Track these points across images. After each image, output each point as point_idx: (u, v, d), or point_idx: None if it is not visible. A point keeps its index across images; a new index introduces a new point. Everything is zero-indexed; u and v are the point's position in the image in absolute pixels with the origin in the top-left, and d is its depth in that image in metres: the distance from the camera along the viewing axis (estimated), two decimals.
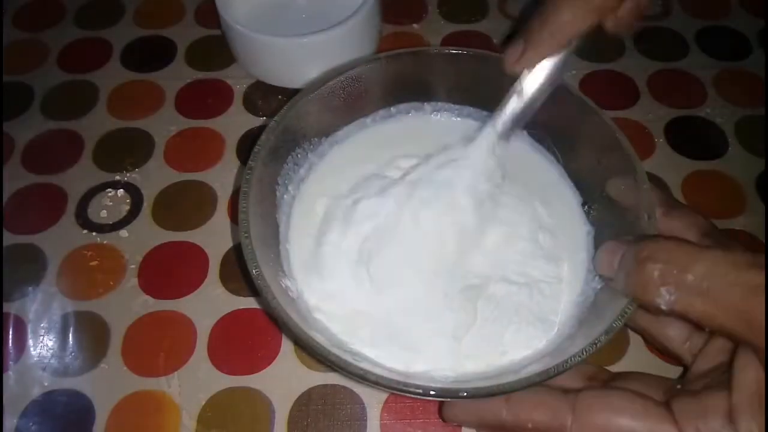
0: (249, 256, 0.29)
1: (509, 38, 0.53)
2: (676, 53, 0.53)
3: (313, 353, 0.27)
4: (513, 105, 0.33)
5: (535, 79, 0.32)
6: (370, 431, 0.35)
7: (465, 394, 0.26)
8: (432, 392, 0.26)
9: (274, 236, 0.34)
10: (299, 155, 0.37)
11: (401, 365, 0.31)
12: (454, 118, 0.41)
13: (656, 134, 0.48)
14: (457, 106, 0.40)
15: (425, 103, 0.40)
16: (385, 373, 0.27)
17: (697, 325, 0.25)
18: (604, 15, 0.30)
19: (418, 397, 0.26)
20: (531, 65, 0.32)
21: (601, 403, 0.28)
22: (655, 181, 0.45)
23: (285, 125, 0.35)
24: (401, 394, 0.28)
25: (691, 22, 0.55)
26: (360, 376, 0.26)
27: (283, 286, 0.31)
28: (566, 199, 0.37)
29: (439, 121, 0.41)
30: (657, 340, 0.33)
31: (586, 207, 0.37)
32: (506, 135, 0.34)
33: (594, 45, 0.53)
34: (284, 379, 0.36)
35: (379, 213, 0.35)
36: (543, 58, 0.32)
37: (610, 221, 0.34)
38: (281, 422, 0.35)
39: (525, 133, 0.39)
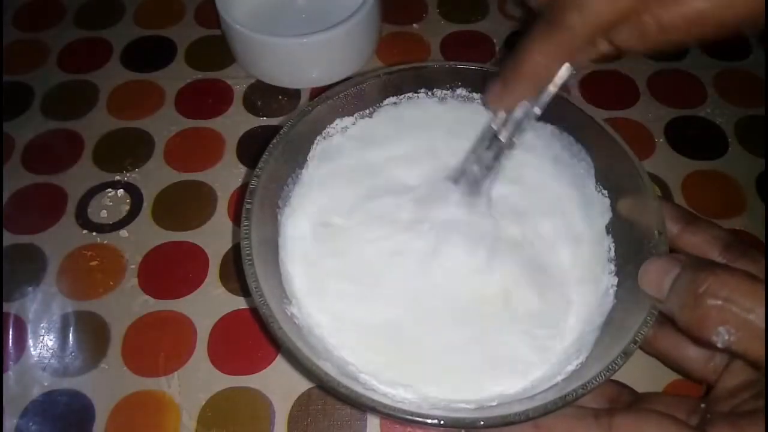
0: (254, 287, 0.28)
1: (510, 39, 0.54)
2: (676, 53, 0.53)
3: (323, 385, 0.26)
4: (492, 146, 0.34)
5: (511, 119, 0.33)
6: (370, 431, 0.35)
7: (482, 423, 0.25)
8: (449, 423, 0.25)
9: (275, 261, 0.33)
10: (299, 175, 0.36)
11: (415, 392, 0.30)
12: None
13: (656, 134, 0.47)
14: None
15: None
16: (397, 404, 0.26)
17: (752, 365, 0.25)
18: (574, 55, 0.30)
19: (434, 427, 0.26)
20: (508, 107, 0.33)
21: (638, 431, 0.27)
22: (656, 181, 0.45)
23: (284, 146, 0.34)
24: (416, 425, 0.27)
25: None
26: (371, 408, 0.26)
27: (288, 313, 0.31)
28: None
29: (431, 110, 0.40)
30: (677, 363, 0.32)
31: None
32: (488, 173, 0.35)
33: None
34: (284, 379, 0.36)
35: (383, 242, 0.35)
36: (519, 100, 0.32)
37: (620, 237, 0.33)
38: (281, 422, 0.35)
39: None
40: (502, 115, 0.33)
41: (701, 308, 0.24)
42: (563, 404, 0.25)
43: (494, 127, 0.33)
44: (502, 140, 0.33)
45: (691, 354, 0.31)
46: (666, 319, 0.27)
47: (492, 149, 0.34)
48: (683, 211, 0.32)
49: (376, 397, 0.26)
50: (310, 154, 0.37)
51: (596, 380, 0.26)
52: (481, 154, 0.35)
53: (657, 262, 0.28)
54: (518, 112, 0.33)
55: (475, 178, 0.35)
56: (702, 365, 0.31)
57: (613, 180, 0.34)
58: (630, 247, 0.32)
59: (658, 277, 0.27)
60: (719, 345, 0.24)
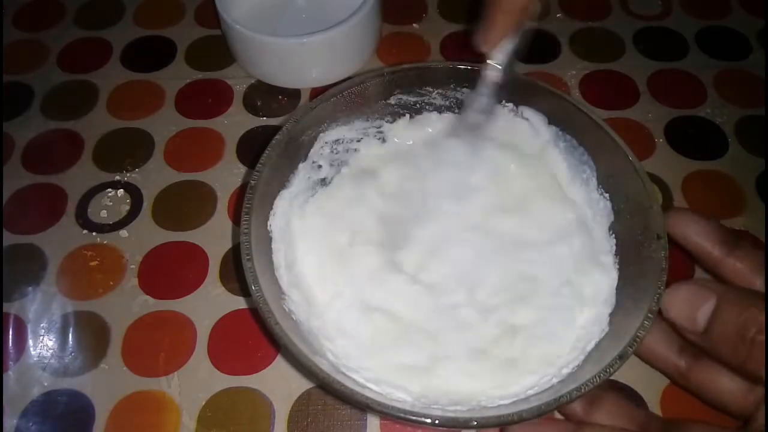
0: (251, 280, 0.29)
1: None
2: (676, 53, 0.53)
3: (319, 381, 0.27)
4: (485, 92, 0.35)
5: (495, 61, 0.34)
6: (370, 431, 0.35)
7: (476, 423, 0.25)
8: (443, 422, 0.25)
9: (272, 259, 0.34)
10: (300, 172, 0.37)
11: (410, 387, 0.30)
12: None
13: (656, 134, 0.47)
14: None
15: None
16: (393, 403, 0.26)
17: None
18: None
19: (429, 426, 0.26)
20: (494, 45, 0.34)
21: None
22: (656, 181, 0.44)
23: (286, 143, 0.34)
24: (411, 424, 0.27)
25: (691, 22, 0.55)
26: (366, 405, 0.26)
27: (287, 309, 0.31)
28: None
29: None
30: (714, 397, 0.30)
31: None
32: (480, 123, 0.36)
33: (594, 45, 0.53)
34: (284, 379, 0.36)
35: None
36: (503, 36, 0.33)
37: (621, 240, 0.33)
38: (281, 422, 0.35)
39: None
40: (494, 60, 0.34)
41: (756, 346, 0.24)
42: (557, 406, 0.25)
43: (487, 74, 0.34)
44: (496, 80, 0.34)
45: (729, 387, 0.29)
46: (701, 352, 0.26)
47: (485, 94, 0.35)
48: (727, 232, 0.30)
49: (371, 394, 0.26)
50: (312, 151, 0.37)
51: (591, 382, 0.26)
52: (477, 103, 0.35)
53: (684, 290, 0.27)
54: (504, 51, 0.34)
55: (474, 125, 0.36)
56: (740, 399, 0.29)
57: (614, 183, 0.34)
58: (630, 250, 0.32)
59: (690, 308, 0.26)
60: None
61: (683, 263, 0.30)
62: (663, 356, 0.32)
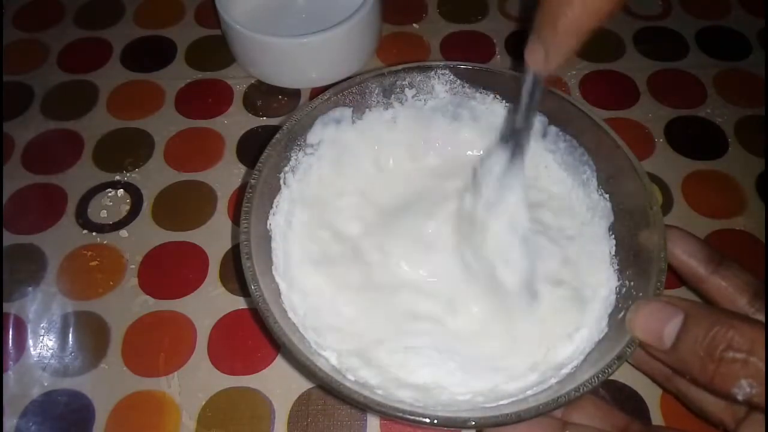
0: (250, 279, 0.29)
1: (510, 39, 0.54)
2: (676, 53, 0.53)
3: (317, 380, 0.27)
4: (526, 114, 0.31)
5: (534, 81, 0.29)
6: (370, 431, 0.35)
7: (473, 423, 0.25)
8: (441, 422, 0.25)
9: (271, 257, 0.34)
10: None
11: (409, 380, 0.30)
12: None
13: (656, 134, 0.47)
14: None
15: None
16: (393, 402, 0.26)
17: None
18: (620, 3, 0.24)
19: (428, 426, 0.26)
20: (554, 66, 0.27)
21: None
22: (656, 181, 0.45)
23: (286, 142, 0.35)
24: (408, 423, 0.26)
25: (691, 22, 0.55)
26: (364, 405, 0.26)
27: (286, 308, 0.31)
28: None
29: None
30: (695, 403, 0.30)
31: None
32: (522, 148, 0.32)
33: (594, 45, 0.53)
34: (284, 379, 0.36)
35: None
36: (565, 57, 0.26)
37: (621, 241, 0.33)
38: (281, 422, 0.35)
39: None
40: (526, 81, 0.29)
41: (724, 363, 0.23)
42: (555, 406, 0.25)
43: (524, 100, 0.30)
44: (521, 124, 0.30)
45: (711, 398, 0.29)
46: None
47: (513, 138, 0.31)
48: (711, 251, 0.30)
49: (367, 393, 0.26)
50: (312, 150, 0.37)
51: (590, 383, 0.26)
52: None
53: (650, 307, 0.26)
54: (528, 83, 0.29)
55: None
56: (721, 409, 0.29)
57: (614, 184, 0.34)
58: (630, 250, 0.32)
59: (657, 324, 0.26)
60: (740, 398, 0.23)
61: (671, 281, 0.30)
62: (647, 359, 0.31)
